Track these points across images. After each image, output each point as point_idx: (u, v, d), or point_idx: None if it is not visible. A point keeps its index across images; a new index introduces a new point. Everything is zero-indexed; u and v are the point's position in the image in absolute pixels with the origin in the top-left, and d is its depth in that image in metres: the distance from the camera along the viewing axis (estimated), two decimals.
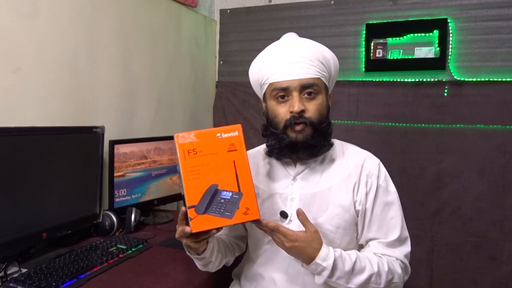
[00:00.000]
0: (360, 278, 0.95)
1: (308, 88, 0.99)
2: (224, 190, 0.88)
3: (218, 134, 0.90)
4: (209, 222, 0.86)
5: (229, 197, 0.88)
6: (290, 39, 1.07)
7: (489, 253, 2.02)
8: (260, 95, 1.12)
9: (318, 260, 0.93)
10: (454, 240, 2.08)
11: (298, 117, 0.98)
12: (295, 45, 1.03)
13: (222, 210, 0.86)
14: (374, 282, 0.96)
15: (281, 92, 1.00)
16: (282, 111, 1.01)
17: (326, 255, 0.93)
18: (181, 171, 0.87)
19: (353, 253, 0.98)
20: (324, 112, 1.03)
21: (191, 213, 0.85)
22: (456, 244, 2.08)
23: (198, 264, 1.07)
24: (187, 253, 1.01)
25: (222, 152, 0.89)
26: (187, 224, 0.87)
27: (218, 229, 0.89)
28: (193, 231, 0.86)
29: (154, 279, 1.15)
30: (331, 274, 0.93)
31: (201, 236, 0.89)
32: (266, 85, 1.04)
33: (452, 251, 2.09)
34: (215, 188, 0.87)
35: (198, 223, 0.86)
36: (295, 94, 0.99)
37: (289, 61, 1.00)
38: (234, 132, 0.91)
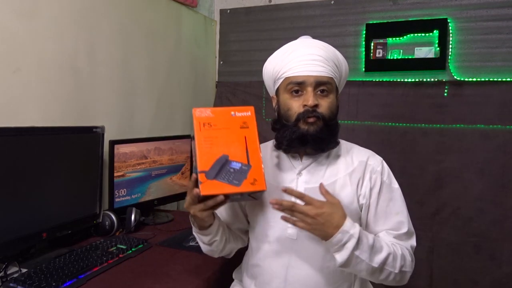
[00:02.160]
0: (380, 257, 0.94)
1: (322, 86, 1.03)
2: (234, 161, 0.93)
3: (232, 113, 0.97)
4: (217, 187, 0.90)
5: (238, 168, 0.93)
6: (306, 39, 1.13)
7: (489, 253, 2.02)
8: (272, 91, 1.16)
9: (345, 227, 0.91)
10: (454, 240, 2.08)
11: (311, 111, 1.02)
12: (312, 45, 1.09)
13: (230, 178, 0.91)
14: (390, 265, 0.96)
15: (296, 87, 1.04)
16: (296, 105, 1.04)
17: (351, 223, 0.93)
18: (196, 141, 0.93)
19: (369, 234, 0.99)
20: (334, 110, 1.07)
21: (201, 177, 0.90)
22: (456, 244, 2.08)
23: (203, 244, 1.08)
24: (194, 231, 1.04)
25: (235, 127, 0.96)
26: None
27: (226, 198, 0.92)
28: (202, 194, 0.90)
29: (154, 279, 1.15)
30: (356, 246, 0.91)
31: (208, 204, 0.93)
32: (281, 80, 1.08)
33: (452, 251, 2.09)
34: (226, 158, 0.93)
35: (207, 187, 0.90)
36: (310, 89, 1.02)
37: (307, 58, 1.04)
38: (247, 112, 0.98)
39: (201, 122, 0.95)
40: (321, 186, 0.98)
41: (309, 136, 1.02)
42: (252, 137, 0.96)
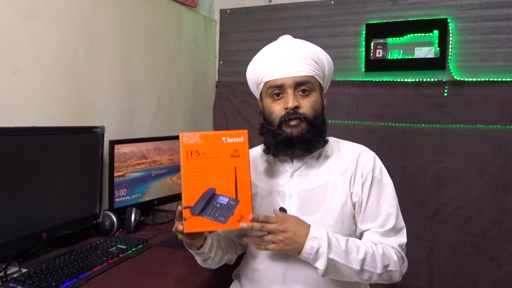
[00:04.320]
0: (356, 257, 0.95)
1: (302, 86, 1.02)
2: (221, 195, 0.89)
3: (223, 138, 0.91)
4: (202, 224, 0.88)
5: (225, 203, 0.89)
6: (285, 40, 1.11)
7: (489, 253, 2.02)
8: (257, 95, 1.15)
9: (312, 233, 0.93)
10: (454, 240, 2.08)
11: (292, 113, 1.01)
12: (290, 45, 1.07)
13: (216, 215, 0.88)
14: (370, 265, 0.96)
15: (276, 90, 1.03)
16: (277, 108, 1.03)
17: (317, 229, 0.95)
18: (182, 172, 0.88)
19: (342, 235, 1.00)
20: (318, 109, 1.05)
21: (185, 213, 0.87)
22: (456, 244, 2.08)
23: (198, 259, 1.08)
24: (186, 247, 1.03)
25: (225, 156, 0.90)
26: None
27: (211, 232, 0.91)
28: (185, 232, 0.88)
29: (154, 279, 1.15)
30: (329, 249, 0.92)
31: (195, 236, 0.93)
32: (262, 84, 1.07)
33: (452, 251, 2.09)
34: (212, 192, 0.89)
35: (191, 224, 0.87)
36: (290, 91, 1.01)
37: (284, 59, 1.03)
38: (239, 138, 0.91)
39: (189, 149, 0.88)
40: (275, 211, 1.00)
41: (294, 138, 1.01)
42: (243, 168, 0.90)
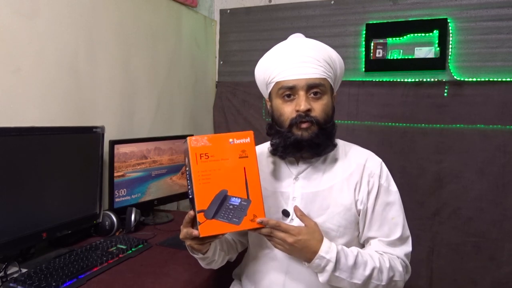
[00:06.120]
0: (363, 273, 0.95)
1: (315, 88, 1.00)
2: (233, 196, 0.90)
3: (231, 140, 0.92)
4: (217, 227, 0.88)
5: (237, 204, 0.89)
6: (297, 39, 1.08)
7: (489, 253, 2.02)
8: (266, 94, 1.13)
9: (321, 253, 0.93)
10: (454, 240, 2.08)
11: (304, 116, 0.99)
12: (303, 45, 1.04)
13: (230, 216, 0.88)
14: (376, 278, 0.97)
15: (288, 91, 1.01)
16: (288, 110, 1.01)
17: (328, 248, 0.94)
18: (192, 175, 0.88)
19: (354, 248, 0.99)
20: (329, 112, 1.03)
21: (200, 217, 0.87)
22: (456, 244, 2.08)
23: (201, 263, 1.07)
24: (190, 253, 1.02)
25: (233, 158, 0.91)
26: (193, 226, 0.89)
27: (223, 234, 0.91)
28: (201, 236, 0.87)
29: (154, 279, 1.15)
30: (335, 268, 0.93)
31: (207, 240, 0.92)
32: (273, 84, 1.05)
33: (452, 251, 2.09)
34: (224, 194, 0.89)
35: (206, 227, 0.87)
36: (302, 93, 0.99)
37: (297, 60, 1.01)
38: (246, 139, 0.92)
39: (198, 153, 0.88)
40: (296, 209, 0.99)
41: (304, 141, 0.99)
42: (252, 168, 0.91)
